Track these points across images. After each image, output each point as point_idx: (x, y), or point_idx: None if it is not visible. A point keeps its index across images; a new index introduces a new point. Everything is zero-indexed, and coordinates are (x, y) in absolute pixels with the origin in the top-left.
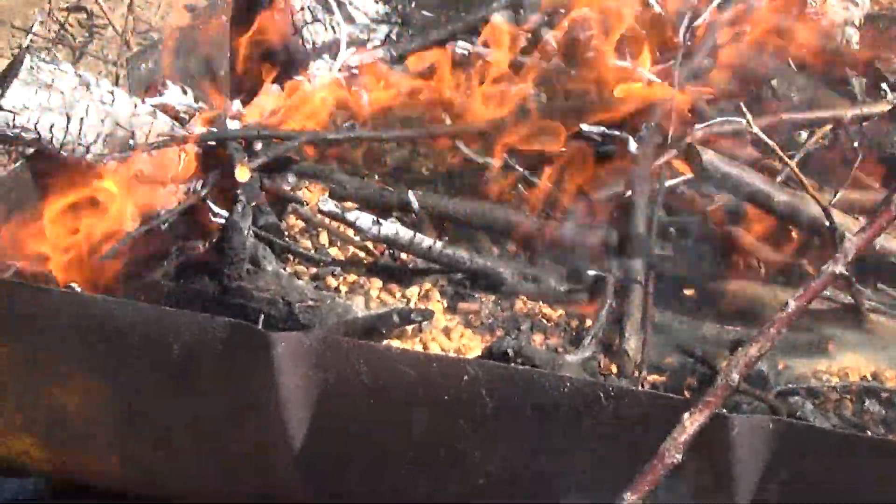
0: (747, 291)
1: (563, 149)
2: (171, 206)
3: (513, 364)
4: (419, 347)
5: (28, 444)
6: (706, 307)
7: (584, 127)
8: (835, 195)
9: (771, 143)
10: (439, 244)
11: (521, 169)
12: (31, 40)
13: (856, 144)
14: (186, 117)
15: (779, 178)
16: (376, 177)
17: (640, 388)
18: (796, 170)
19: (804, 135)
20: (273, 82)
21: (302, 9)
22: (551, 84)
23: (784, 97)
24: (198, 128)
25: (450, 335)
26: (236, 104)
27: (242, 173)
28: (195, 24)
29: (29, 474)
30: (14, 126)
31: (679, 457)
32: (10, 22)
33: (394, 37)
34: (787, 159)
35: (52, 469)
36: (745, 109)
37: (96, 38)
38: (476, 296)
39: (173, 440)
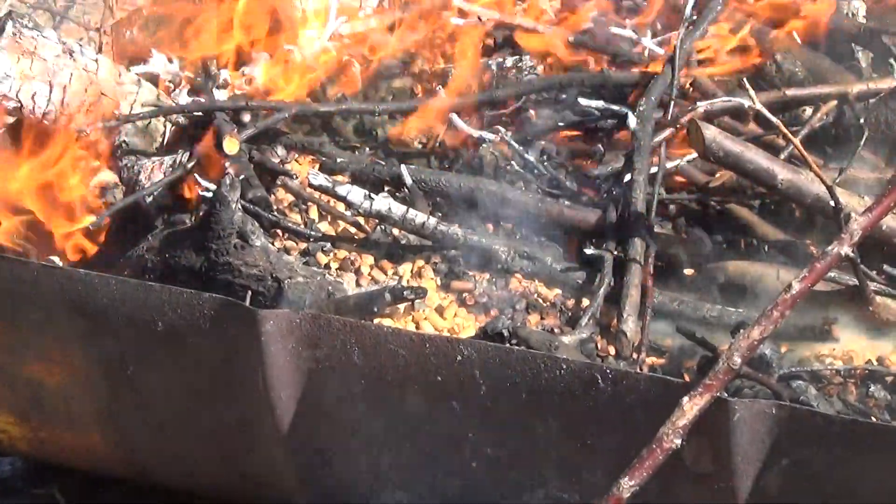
0: (749, 271)
1: None
2: (157, 178)
3: (507, 345)
4: (411, 327)
5: (5, 422)
6: (707, 287)
7: (583, 101)
8: (840, 173)
9: (775, 119)
10: (433, 220)
11: (516, 145)
12: (10, 5)
13: (861, 121)
14: (172, 86)
15: (782, 156)
16: (368, 150)
17: (638, 370)
18: (800, 147)
19: (809, 111)
20: (262, 51)
21: None
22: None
23: (788, 72)
24: (184, 98)
25: (443, 314)
26: (224, 73)
27: (230, 145)
28: None
29: (6, 453)
30: None
31: (678, 442)
32: None
33: (386, 4)
34: (791, 136)
35: (31, 448)
36: (748, 85)
37: (77, 3)
38: (470, 274)
39: (157, 419)
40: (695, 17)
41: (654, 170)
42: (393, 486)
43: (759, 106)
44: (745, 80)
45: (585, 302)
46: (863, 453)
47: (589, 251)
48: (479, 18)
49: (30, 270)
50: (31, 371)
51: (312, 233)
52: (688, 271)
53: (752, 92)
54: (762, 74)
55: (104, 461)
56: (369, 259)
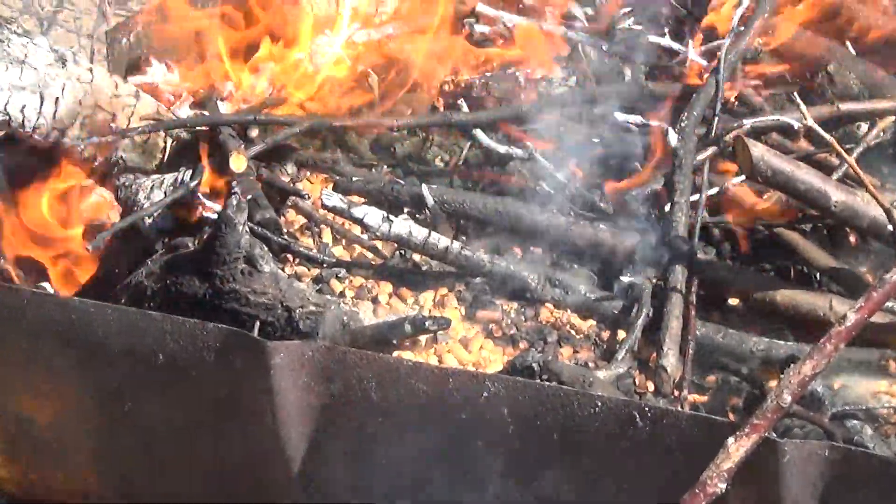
0: (800, 301)
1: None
2: (157, 198)
3: (538, 380)
4: (434, 360)
5: None
6: (753, 318)
7: (619, 116)
8: None
9: (828, 136)
10: (456, 244)
11: (545, 162)
12: None
13: None
14: (173, 98)
15: (836, 176)
16: (386, 168)
17: (679, 408)
18: (855, 166)
19: (864, 127)
20: (270, 60)
21: None
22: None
23: (842, 85)
24: (186, 111)
25: (468, 347)
26: (229, 84)
27: (237, 162)
28: None
29: None
30: None
31: (723, 486)
32: None
33: (404, 11)
34: (845, 154)
35: (20, 490)
36: (798, 100)
37: (67, 7)
38: (497, 303)
39: (156, 458)
40: (741, 28)
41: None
42: None
43: (810, 122)
44: (795, 94)
45: (622, 334)
46: None
47: (626, 279)
48: (504, 25)
49: (18, 297)
50: (20, 406)
51: (326, 258)
52: (733, 301)
53: (803, 107)
54: (813, 87)
55: (100, 502)
56: (387, 287)
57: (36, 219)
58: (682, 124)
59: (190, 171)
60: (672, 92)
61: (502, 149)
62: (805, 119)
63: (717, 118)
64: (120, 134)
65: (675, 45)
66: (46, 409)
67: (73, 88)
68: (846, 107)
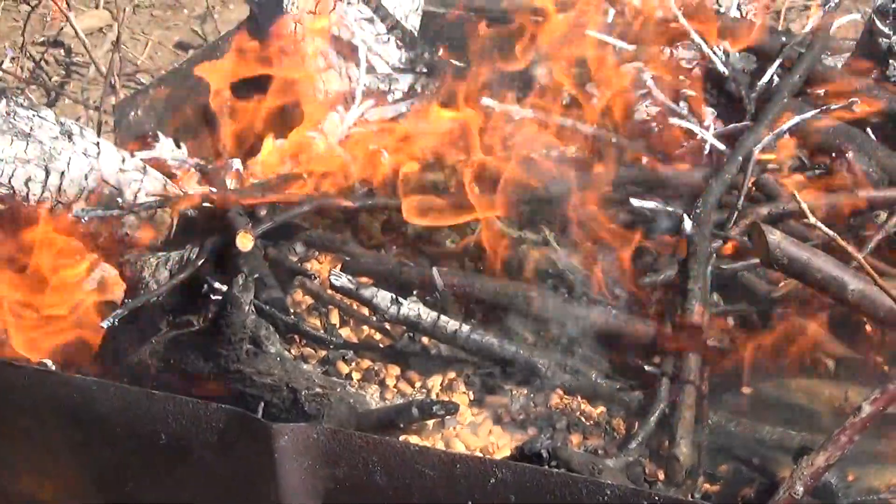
0: (815, 391)
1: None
2: (162, 275)
3: (546, 467)
4: (441, 445)
5: None
6: (766, 408)
7: (635, 201)
8: None
9: (831, 233)
10: (466, 328)
11: (558, 246)
12: (1, 79)
13: None
14: (180, 174)
15: (854, 263)
16: (396, 249)
17: (690, 497)
18: (862, 260)
19: (883, 215)
20: (278, 137)
21: (314, 54)
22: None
23: (861, 171)
24: (193, 187)
25: (476, 432)
26: (237, 162)
27: (244, 241)
28: (189, 67)
29: None
30: None
31: None
32: None
33: (419, 88)
34: (854, 252)
35: None
36: (799, 198)
37: (75, 79)
38: (506, 388)
39: None
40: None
41: None
42: None
43: (813, 220)
44: (796, 193)
45: (633, 420)
46: None
47: (649, 368)
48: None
49: (20, 375)
50: (20, 485)
51: (333, 339)
52: (746, 389)
53: (804, 205)
54: (831, 173)
55: None
56: (395, 370)
57: (39, 294)
58: (697, 210)
59: (196, 249)
60: (688, 177)
61: (514, 233)
62: (808, 217)
63: (737, 210)
64: (126, 209)
65: (696, 129)
66: (47, 488)
67: (78, 162)
68: (864, 193)
